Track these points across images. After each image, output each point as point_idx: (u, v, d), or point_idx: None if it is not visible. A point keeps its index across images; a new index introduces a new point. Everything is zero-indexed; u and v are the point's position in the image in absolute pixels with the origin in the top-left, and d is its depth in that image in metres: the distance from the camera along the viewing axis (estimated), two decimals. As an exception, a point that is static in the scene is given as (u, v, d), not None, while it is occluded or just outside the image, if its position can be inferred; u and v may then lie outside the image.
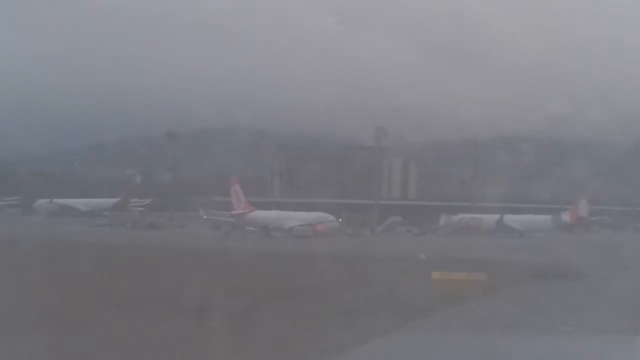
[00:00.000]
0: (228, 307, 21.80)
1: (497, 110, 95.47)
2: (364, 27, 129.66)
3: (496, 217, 79.98)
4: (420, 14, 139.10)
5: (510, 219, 79.92)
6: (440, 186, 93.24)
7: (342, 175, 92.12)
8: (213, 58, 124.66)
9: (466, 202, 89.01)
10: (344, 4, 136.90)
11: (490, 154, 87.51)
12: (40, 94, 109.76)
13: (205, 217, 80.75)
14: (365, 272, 34.95)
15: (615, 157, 72.85)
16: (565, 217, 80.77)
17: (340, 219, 79.43)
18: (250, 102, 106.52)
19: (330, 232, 74.14)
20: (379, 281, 31.58)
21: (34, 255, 35.01)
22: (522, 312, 24.79)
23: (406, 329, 18.68)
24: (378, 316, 22.43)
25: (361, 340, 16.66)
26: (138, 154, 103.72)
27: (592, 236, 72.89)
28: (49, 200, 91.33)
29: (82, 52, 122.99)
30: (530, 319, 23.09)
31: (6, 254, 36.06)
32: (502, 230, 78.15)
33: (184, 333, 19.30)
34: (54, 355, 17.45)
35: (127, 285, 27.27)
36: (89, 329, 19.54)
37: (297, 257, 45.52)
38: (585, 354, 12.79)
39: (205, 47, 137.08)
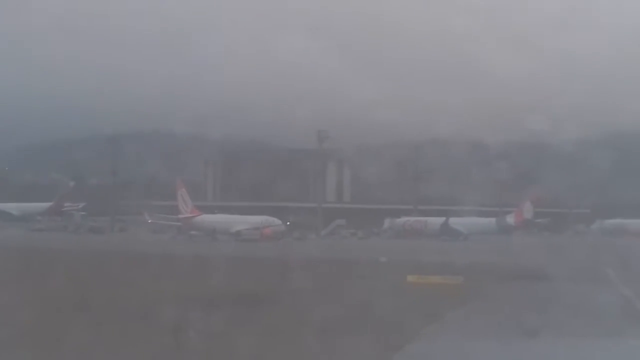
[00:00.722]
0: (174, 314, 20.72)
1: (445, 114, 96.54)
2: (302, 32, 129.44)
3: (441, 220, 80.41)
4: (354, 22, 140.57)
5: (454, 221, 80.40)
6: (384, 190, 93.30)
7: (286, 179, 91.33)
8: (155, 63, 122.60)
9: (411, 205, 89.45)
10: (281, 12, 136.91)
11: (435, 158, 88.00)
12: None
13: (150, 221, 78.77)
14: (316, 276, 34.11)
15: (557, 160, 74.14)
16: (510, 219, 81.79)
17: (288, 222, 78.74)
18: (195, 106, 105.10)
19: (276, 236, 73.39)
20: (332, 285, 30.87)
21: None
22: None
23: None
24: (335, 321, 21.65)
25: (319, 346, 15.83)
26: (74, 156, 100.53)
27: (538, 238, 74.12)
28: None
29: (14, 52, 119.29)
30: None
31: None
32: (446, 233, 78.51)
33: (125, 339, 18.15)
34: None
35: (61, 290, 25.84)
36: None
37: (245, 261, 44.61)
38: (580, 356, 12.36)
39: (146, 51, 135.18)
